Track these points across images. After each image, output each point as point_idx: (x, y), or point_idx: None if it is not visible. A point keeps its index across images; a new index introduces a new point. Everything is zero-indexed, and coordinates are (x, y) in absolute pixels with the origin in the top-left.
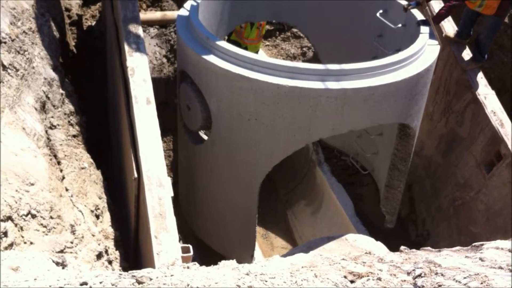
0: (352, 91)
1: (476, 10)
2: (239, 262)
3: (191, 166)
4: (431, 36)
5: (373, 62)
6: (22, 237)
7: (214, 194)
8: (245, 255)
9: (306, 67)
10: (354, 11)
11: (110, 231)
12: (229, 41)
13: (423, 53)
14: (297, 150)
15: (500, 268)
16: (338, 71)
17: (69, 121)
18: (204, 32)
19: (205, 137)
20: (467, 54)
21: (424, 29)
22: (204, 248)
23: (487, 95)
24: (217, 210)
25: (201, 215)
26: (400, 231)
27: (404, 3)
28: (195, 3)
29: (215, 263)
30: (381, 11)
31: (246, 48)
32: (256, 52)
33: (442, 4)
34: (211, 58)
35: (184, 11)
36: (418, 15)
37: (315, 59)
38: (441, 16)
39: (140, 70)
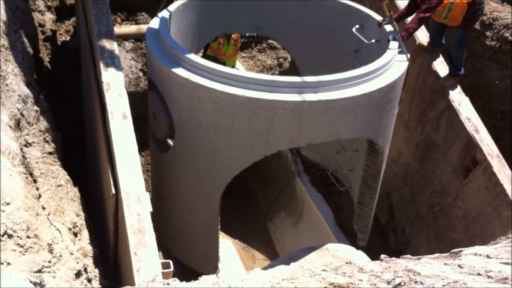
0: (308, 104)
1: (442, 22)
2: (203, 273)
3: (159, 175)
4: (401, 52)
5: (331, 76)
6: None
7: (178, 204)
8: (209, 267)
9: (263, 78)
10: (334, 25)
11: (89, 248)
12: (206, 57)
13: (388, 68)
14: (276, 161)
15: (479, 274)
16: (295, 83)
17: (44, 138)
18: (169, 41)
19: None
20: (440, 62)
21: (393, 45)
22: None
23: (461, 102)
24: (181, 220)
25: (167, 224)
26: (380, 239)
27: (380, 18)
28: (167, 14)
29: (196, 278)
30: (357, 26)
31: (224, 64)
32: (233, 65)
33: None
34: (172, 67)
35: (155, 22)
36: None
37: (291, 70)
38: (410, 30)
39: (115, 84)
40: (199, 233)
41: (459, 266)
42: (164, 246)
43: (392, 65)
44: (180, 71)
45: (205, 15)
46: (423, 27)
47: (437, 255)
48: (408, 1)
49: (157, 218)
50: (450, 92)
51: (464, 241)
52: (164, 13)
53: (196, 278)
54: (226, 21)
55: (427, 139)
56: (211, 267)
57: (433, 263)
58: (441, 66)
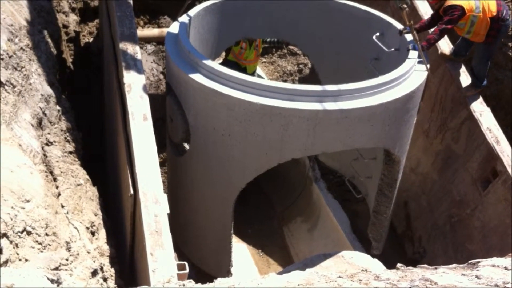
0: (323, 113)
1: (465, 37)
2: (216, 277)
3: (174, 178)
4: (421, 61)
5: (347, 85)
6: (17, 254)
7: (192, 207)
8: (221, 271)
9: (278, 85)
10: (354, 32)
11: (106, 248)
12: (226, 61)
13: (407, 78)
14: (293, 166)
15: (496, 286)
16: (311, 92)
17: (65, 138)
18: (187, 46)
19: None
20: (462, 72)
21: (413, 54)
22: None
23: (482, 112)
24: (195, 222)
25: (181, 226)
26: (397, 248)
27: (401, 26)
28: (187, 18)
29: (209, 281)
30: (378, 34)
31: (245, 69)
32: (254, 70)
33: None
34: (190, 72)
35: (175, 26)
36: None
37: (311, 76)
38: (431, 41)
39: (137, 86)
40: (213, 236)
41: (477, 277)
42: (178, 248)
43: (411, 75)
44: (197, 77)
45: (225, 20)
46: (445, 36)
47: (454, 265)
48: (431, 13)
49: (171, 220)
50: (472, 102)
51: (481, 253)
52: (184, 18)
53: (210, 281)
54: (245, 26)
55: (447, 149)
56: (224, 271)
57: (450, 273)
58: (463, 76)
